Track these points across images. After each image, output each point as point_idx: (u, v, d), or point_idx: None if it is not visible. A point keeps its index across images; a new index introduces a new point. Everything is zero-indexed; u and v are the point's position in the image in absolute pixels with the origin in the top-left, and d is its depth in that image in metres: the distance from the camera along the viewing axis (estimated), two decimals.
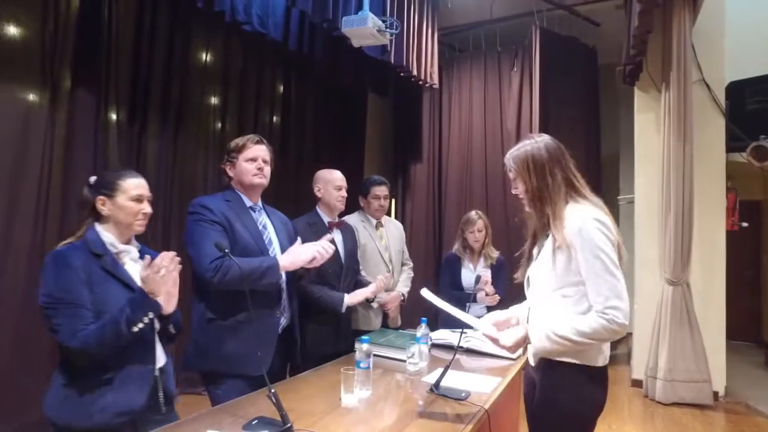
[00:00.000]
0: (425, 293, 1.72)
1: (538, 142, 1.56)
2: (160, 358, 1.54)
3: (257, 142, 1.90)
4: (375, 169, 5.24)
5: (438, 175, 5.26)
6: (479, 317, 1.74)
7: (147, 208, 1.54)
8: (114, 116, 3.00)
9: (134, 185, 1.52)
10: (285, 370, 2.04)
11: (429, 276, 4.96)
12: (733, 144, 3.95)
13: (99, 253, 1.45)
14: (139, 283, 1.48)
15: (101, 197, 1.49)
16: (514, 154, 1.59)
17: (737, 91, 3.96)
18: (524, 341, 1.51)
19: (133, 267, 1.53)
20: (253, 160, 1.88)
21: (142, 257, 1.56)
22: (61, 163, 2.68)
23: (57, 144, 2.67)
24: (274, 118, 4.26)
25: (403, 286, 2.89)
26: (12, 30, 2.49)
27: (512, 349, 1.52)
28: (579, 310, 1.45)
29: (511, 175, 1.61)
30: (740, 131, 3.93)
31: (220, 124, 3.75)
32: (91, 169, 2.79)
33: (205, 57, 3.62)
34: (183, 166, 3.47)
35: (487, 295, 2.79)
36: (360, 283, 2.50)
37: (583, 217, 1.46)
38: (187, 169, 3.50)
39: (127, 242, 1.54)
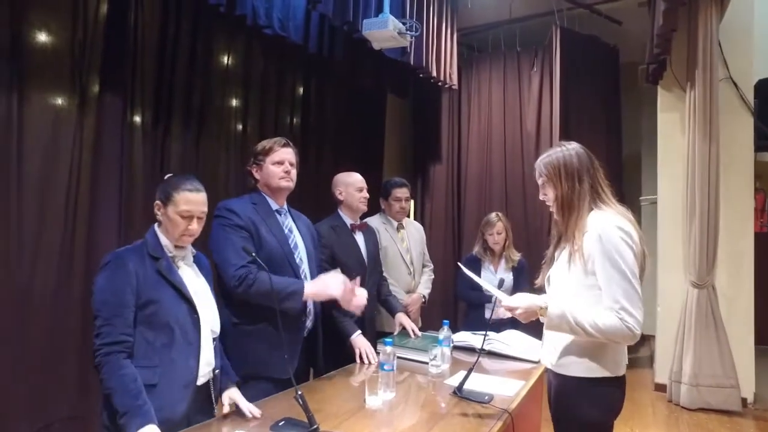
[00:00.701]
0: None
1: (569, 149, 1.58)
2: (213, 363, 1.54)
3: (284, 145, 1.91)
4: (394, 171, 5.25)
5: (457, 176, 5.24)
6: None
7: (193, 225, 1.49)
8: (139, 120, 3.05)
9: (185, 200, 1.48)
10: (308, 371, 2.06)
11: (448, 278, 4.94)
12: (761, 143, 3.86)
13: (156, 256, 1.47)
14: (189, 288, 1.49)
15: (158, 202, 1.51)
16: (545, 160, 1.60)
17: (766, 88, 3.86)
18: (534, 314, 1.54)
19: (187, 271, 1.55)
20: (280, 163, 1.89)
21: (196, 261, 1.60)
22: (89, 167, 2.73)
23: (85, 148, 2.72)
24: (295, 120, 4.29)
25: (424, 288, 2.90)
26: (44, 39, 2.55)
27: (522, 315, 1.54)
28: None
29: (540, 180, 1.62)
30: None
31: (241, 127, 3.79)
32: (118, 173, 2.85)
33: (227, 60, 3.67)
34: (205, 168, 3.51)
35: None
36: (384, 286, 2.52)
37: (604, 224, 1.47)
38: (210, 170, 3.54)
39: (182, 247, 1.55)
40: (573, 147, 1.58)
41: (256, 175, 1.93)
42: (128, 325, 1.39)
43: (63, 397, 2.61)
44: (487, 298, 2.87)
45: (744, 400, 3.62)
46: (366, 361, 2.03)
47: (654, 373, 4.19)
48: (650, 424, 3.38)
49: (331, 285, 1.80)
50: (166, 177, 1.57)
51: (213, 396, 1.55)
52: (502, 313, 2.60)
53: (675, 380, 3.74)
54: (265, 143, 1.92)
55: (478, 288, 2.91)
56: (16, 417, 2.41)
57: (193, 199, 1.49)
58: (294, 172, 1.93)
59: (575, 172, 1.54)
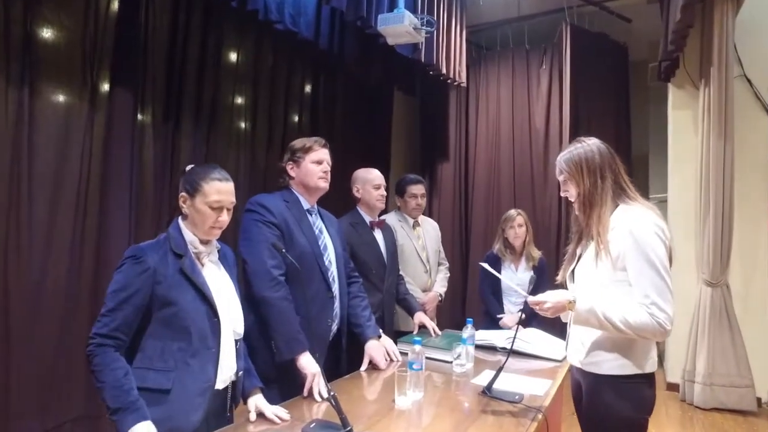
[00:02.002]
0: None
1: (590, 145, 1.57)
2: (234, 366, 1.47)
3: (324, 145, 1.90)
4: (401, 168, 5.21)
5: (465, 174, 5.21)
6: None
7: (223, 216, 1.42)
8: (150, 115, 3.01)
9: (215, 190, 1.40)
10: (331, 377, 2.01)
11: (455, 276, 4.91)
12: None
13: (180, 253, 1.39)
14: (212, 288, 1.42)
15: (183, 194, 1.43)
16: (566, 156, 1.58)
17: None
18: (563, 308, 1.51)
19: (211, 269, 1.48)
20: (319, 162, 1.87)
21: (221, 255, 1.53)
22: (100, 162, 2.70)
23: (96, 144, 2.69)
24: (303, 117, 4.26)
25: (440, 287, 2.87)
26: (56, 34, 2.51)
27: (550, 310, 1.51)
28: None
29: (561, 177, 1.61)
30: None
31: (250, 123, 3.76)
32: (128, 168, 2.81)
33: (237, 56, 3.63)
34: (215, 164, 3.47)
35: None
36: (402, 285, 2.48)
37: (637, 218, 1.45)
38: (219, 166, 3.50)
39: (208, 242, 1.48)
40: (593, 143, 1.57)
41: (292, 173, 1.89)
42: (127, 323, 1.32)
43: (74, 397, 2.57)
44: (501, 310, 2.85)
45: (759, 400, 3.59)
46: (388, 361, 1.97)
47: (665, 373, 4.16)
48: (665, 424, 3.35)
49: (315, 374, 1.64)
50: (188, 168, 1.49)
51: (230, 400, 1.49)
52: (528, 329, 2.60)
53: (688, 379, 3.71)
54: (305, 141, 1.89)
55: (499, 288, 2.90)
56: (27, 416, 2.37)
57: (223, 189, 1.42)
58: (329, 174, 1.91)
59: (597, 168, 1.52)
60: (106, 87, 2.74)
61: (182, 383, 1.34)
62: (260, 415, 1.46)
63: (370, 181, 2.39)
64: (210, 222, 1.41)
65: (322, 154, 1.89)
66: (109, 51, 2.73)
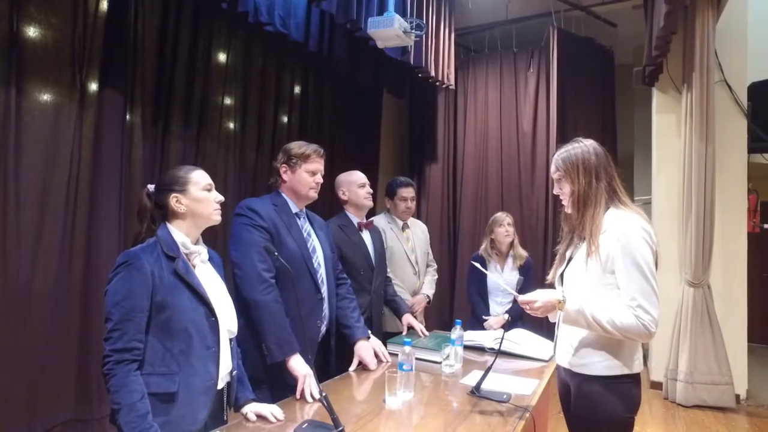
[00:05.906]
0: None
1: (587, 145, 1.58)
2: (231, 365, 1.49)
3: (321, 156, 1.90)
4: (390, 170, 5.23)
5: (453, 176, 5.25)
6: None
7: (219, 195, 1.51)
8: (139, 116, 2.99)
9: (203, 176, 1.50)
10: (320, 378, 2.03)
11: (443, 277, 4.95)
12: (754, 145, 3.93)
13: (173, 255, 1.39)
14: (207, 288, 1.43)
15: (174, 195, 1.44)
16: (563, 155, 1.60)
17: (759, 91, 3.93)
18: (553, 308, 1.54)
19: (204, 270, 1.49)
20: (314, 173, 1.88)
21: (210, 259, 1.54)
22: (89, 163, 2.68)
23: (85, 144, 2.66)
24: (293, 118, 4.26)
25: (428, 289, 2.90)
26: (44, 33, 2.49)
27: (540, 310, 1.55)
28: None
29: (556, 175, 1.62)
30: (762, 132, 3.91)
31: (240, 124, 3.75)
32: (118, 169, 2.79)
33: (227, 57, 3.62)
34: (205, 165, 3.43)
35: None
36: (390, 287, 2.50)
37: (626, 223, 1.48)
38: (209, 168, 3.45)
39: (196, 242, 1.49)
40: (590, 143, 1.59)
41: (284, 176, 1.89)
42: (140, 330, 1.32)
43: (62, 401, 2.55)
44: (487, 311, 2.90)
45: (737, 397, 3.69)
46: (379, 362, 2.00)
47: (648, 371, 4.24)
48: (648, 421, 3.42)
49: (307, 377, 1.67)
50: (157, 180, 1.53)
51: (226, 401, 1.50)
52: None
53: (671, 378, 3.80)
54: (305, 148, 1.89)
55: (485, 290, 2.94)
56: (15, 421, 2.35)
57: (206, 174, 1.52)
58: (320, 186, 1.93)
59: (593, 168, 1.54)
60: (94, 87, 2.71)
61: (187, 384, 1.35)
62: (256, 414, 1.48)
63: (354, 181, 2.41)
64: (212, 204, 1.48)
65: (319, 164, 1.90)
66: (98, 50, 2.71)
